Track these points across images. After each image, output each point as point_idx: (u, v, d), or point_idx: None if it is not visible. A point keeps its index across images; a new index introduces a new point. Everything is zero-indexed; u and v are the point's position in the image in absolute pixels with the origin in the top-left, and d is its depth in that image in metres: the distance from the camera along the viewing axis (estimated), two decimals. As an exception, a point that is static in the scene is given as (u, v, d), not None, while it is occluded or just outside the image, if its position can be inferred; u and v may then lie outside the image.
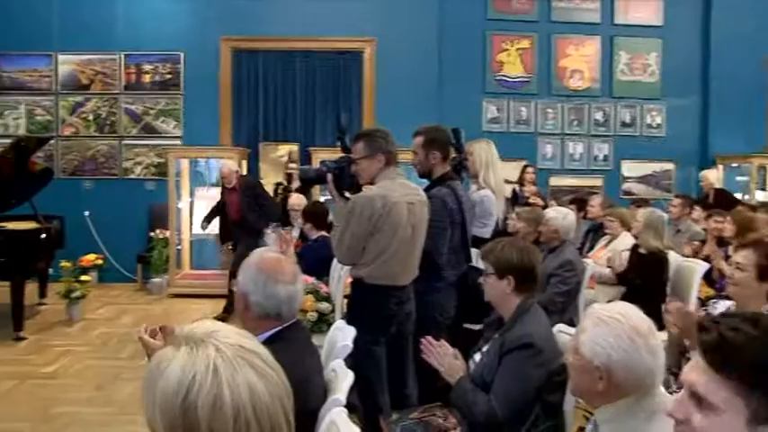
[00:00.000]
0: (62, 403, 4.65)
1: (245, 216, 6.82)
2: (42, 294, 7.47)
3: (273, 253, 2.15)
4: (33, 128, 8.97)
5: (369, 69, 8.80)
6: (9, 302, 6.26)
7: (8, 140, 8.39)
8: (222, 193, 7.28)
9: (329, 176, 3.60)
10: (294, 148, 8.66)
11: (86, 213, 8.72)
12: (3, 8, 8.79)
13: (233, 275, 3.91)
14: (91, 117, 8.98)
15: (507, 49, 9.21)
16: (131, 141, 8.94)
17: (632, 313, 1.83)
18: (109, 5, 8.75)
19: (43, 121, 9.00)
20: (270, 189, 7.87)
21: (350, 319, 3.24)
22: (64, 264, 6.98)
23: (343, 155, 3.65)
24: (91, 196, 8.86)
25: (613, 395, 1.79)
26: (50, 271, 7.43)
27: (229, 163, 7.40)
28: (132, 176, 8.91)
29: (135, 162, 8.94)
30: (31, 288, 6.67)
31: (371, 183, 3.47)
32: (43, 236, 6.46)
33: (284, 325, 2.04)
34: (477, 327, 3.84)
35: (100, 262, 8.32)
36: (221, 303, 7.26)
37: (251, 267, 2.04)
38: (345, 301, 4.42)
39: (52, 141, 8.61)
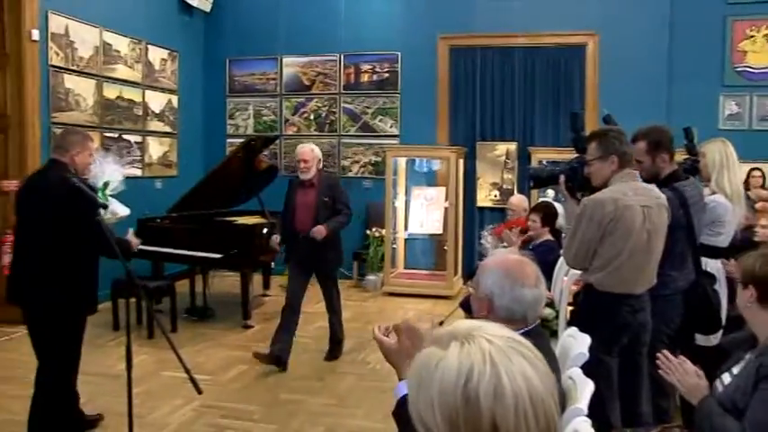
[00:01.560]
0: (287, 390, 5.04)
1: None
2: (266, 286, 8.14)
3: (515, 255, 2.19)
4: (260, 127, 9.79)
5: (591, 65, 8.56)
6: (238, 292, 6.92)
7: (239, 139, 9.34)
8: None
9: (561, 177, 3.59)
10: (512, 146, 8.65)
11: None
12: (235, 18, 9.70)
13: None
14: (312, 116, 9.62)
15: (752, 36, 8.49)
16: (349, 140, 9.45)
17: None
18: (331, 9, 9.31)
19: (269, 120, 9.80)
20: (486, 189, 7.93)
21: (579, 326, 3.20)
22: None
23: (576, 155, 3.62)
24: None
25: None
26: (272, 264, 8.08)
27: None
28: (350, 174, 9.39)
29: (353, 160, 9.44)
30: (256, 279, 7.29)
31: (605, 185, 3.40)
32: (265, 230, 7.01)
33: (529, 327, 2.08)
34: (713, 340, 3.62)
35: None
36: (436, 303, 7.45)
37: (494, 270, 2.08)
38: (569, 308, 4.38)
39: (278, 141, 9.37)
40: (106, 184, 4.39)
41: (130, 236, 4.25)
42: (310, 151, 5.57)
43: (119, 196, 4.55)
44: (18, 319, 6.48)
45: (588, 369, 2.67)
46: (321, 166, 5.70)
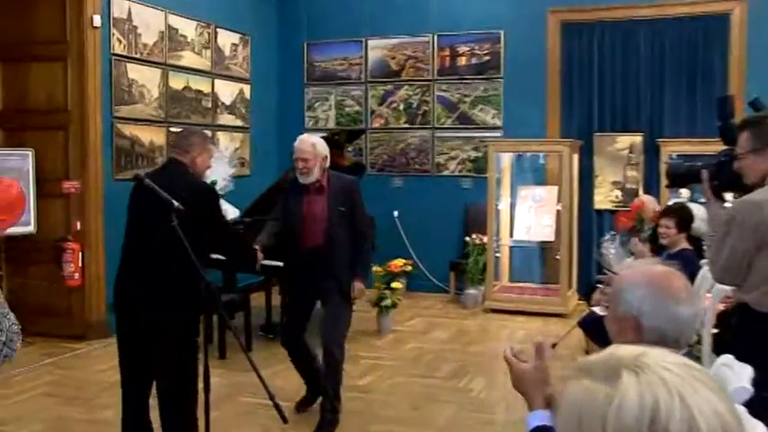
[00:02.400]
0: (378, 420, 5.02)
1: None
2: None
3: (661, 266, 2.08)
4: (342, 120, 9.86)
5: (737, 38, 8.19)
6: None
7: (319, 134, 9.41)
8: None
9: (704, 174, 3.44)
10: (637, 139, 8.42)
11: (395, 214, 9.37)
12: (313, -3, 9.84)
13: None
14: (401, 107, 9.62)
15: None
16: (445, 133, 9.39)
17: None
18: (423, -18, 9.33)
19: (352, 112, 9.85)
20: (606, 188, 7.70)
21: (735, 354, 3.04)
22: (375, 268, 7.54)
23: (725, 148, 3.45)
24: (400, 195, 9.50)
25: None
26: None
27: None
28: (446, 173, 9.34)
29: (449, 157, 9.37)
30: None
31: (760, 183, 3.23)
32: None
33: (682, 352, 1.97)
34: None
35: (409, 268, 8.85)
36: (546, 322, 7.31)
37: (640, 285, 1.98)
38: (713, 330, 4.20)
39: (363, 135, 9.42)
40: (214, 183, 4.52)
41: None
42: (311, 147, 4.83)
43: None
44: (81, 334, 6.80)
45: (753, 407, 2.52)
46: (327, 164, 4.96)
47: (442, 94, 9.40)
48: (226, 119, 9.02)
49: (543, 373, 1.90)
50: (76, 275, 6.76)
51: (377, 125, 9.73)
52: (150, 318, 3.73)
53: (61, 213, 6.95)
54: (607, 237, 5.79)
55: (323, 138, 7.20)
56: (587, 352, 5.91)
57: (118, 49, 7.29)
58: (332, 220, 4.85)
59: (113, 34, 7.22)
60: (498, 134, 9.03)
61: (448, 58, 9.37)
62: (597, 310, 5.12)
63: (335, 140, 7.25)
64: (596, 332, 4.96)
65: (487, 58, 9.17)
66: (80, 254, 6.80)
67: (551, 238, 8.46)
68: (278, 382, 5.56)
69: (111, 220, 6.95)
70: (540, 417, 1.85)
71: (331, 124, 9.86)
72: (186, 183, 3.84)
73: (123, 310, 3.84)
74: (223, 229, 4.11)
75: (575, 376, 1.09)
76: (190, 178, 3.92)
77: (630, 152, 8.40)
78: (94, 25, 6.94)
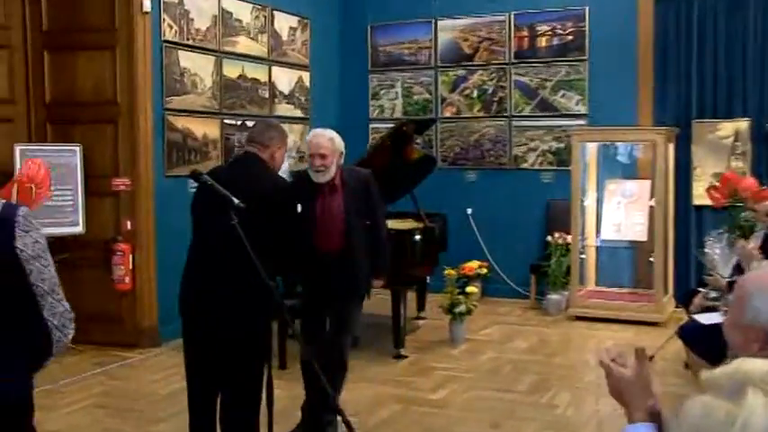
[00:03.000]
0: (453, 438, 5.03)
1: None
2: (421, 307, 8.19)
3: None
4: (411, 109, 9.87)
5: None
6: (387, 314, 6.98)
7: (385, 125, 9.45)
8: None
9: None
10: (742, 125, 8.25)
11: (468, 211, 9.34)
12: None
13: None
14: (475, 94, 9.58)
15: None
16: (523, 122, 9.32)
17: None
18: (498, -45, 9.28)
19: (421, 100, 9.85)
20: (706, 181, 7.53)
21: None
22: (448, 271, 7.52)
23: None
24: (474, 190, 9.48)
25: None
26: (428, 279, 8.09)
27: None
28: (524, 166, 9.27)
29: (528, 148, 9.30)
30: (409, 298, 7.32)
31: None
32: (417, 237, 7.02)
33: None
34: None
35: (484, 271, 8.84)
36: (639, 331, 7.19)
37: (771, 291, 1.93)
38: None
39: (434, 125, 9.42)
40: None
41: None
42: (329, 142, 4.80)
43: None
44: (132, 342, 6.94)
45: None
46: (342, 161, 4.94)
47: (519, 78, 9.33)
48: (284, 109, 9.11)
49: (646, 382, 1.86)
50: (127, 279, 6.91)
51: (448, 114, 9.71)
52: (219, 324, 3.77)
53: (111, 213, 7.11)
54: (712, 234, 5.67)
55: (390, 130, 7.32)
56: (687, 366, 5.79)
57: (169, 35, 7.42)
58: (349, 220, 4.85)
59: (164, 20, 7.36)
60: (583, 122, 8.94)
61: (526, 38, 9.31)
62: (699, 317, 5.01)
63: (403, 132, 7.25)
64: (699, 343, 4.87)
65: (570, 37, 9.08)
66: (131, 256, 6.94)
67: (644, 237, 8.34)
68: (344, 394, 5.58)
69: (162, 219, 7.12)
70: (643, 430, 1.82)
71: (398, 114, 9.89)
72: (268, 179, 3.92)
73: (190, 315, 3.90)
74: (295, 231, 4.21)
75: (693, 391, 1.07)
76: (271, 175, 3.99)
77: (735, 140, 8.22)
78: (144, 10, 7.07)
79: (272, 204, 3.76)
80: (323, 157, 4.76)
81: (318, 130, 4.95)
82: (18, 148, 6.68)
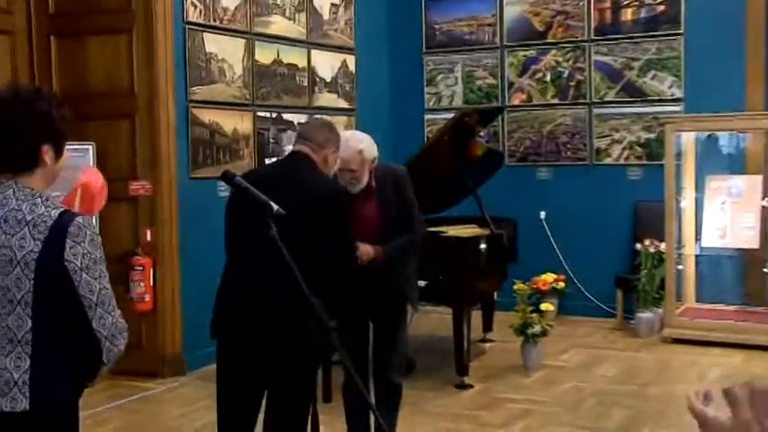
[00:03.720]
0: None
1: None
2: (488, 327, 8.14)
3: None
4: (473, 97, 9.85)
5: None
6: (447, 336, 6.97)
7: (443, 115, 9.41)
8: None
9: None
10: None
11: (542, 215, 9.28)
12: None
13: None
14: (548, 77, 9.53)
15: None
16: (606, 109, 9.25)
17: None
18: None
19: (485, 86, 9.82)
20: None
21: None
22: (518, 286, 7.46)
23: None
24: (548, 191, 9.43)
25: None
26: (495, 296, 8.05)
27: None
28: (608, 161, 9.20)
29: (612, 140, 9.21)
30: (474, 317, 7.28)
31: None
32: (482, 246, 6.97)
33: None
34: None
35: (561, 285, 8.76)
36: (750, 357, 7.08)
37: None
38: None
39: (501, 115, 9.38)
40: None
41: None
42: (358, 155, 4.84)
43: None
44: (153, 370, 6.98)
45: None
46: (376, 163, 5.03)
47: (601, 58, 9.26)
48: (326, 99, 9.14)
49: (753, 427, 1.79)
50: (147, 297, 6.96)
51: (517, 102, 9.69)
52: (260, 351, 3.77)
53: (128, 221, 7.17)
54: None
55: (450, 121, 7.27)
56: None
57: (193, 15, 7.48)
58: (384, 224, 4.96)
59: (187, -1, 7.42)
60: (678, 108, 8.88)
61: (608, 11, 9.26)
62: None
63: (465, 124, 7.23)
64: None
65: (662, 8, 9.02)
66: (151, 271, 6.99)
67: (755, 244, 8.24)
68: (398, 429, 5.56)
69: (187, 228, 7.15)
70: None
71: (458, 102, 9.88)
72: (324, 185, 3.97)
73: (228, 338, 3.90)
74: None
75: None
76: (328, 180, 4.06)
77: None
78: (165, -12, 7.15)
79: (330, 216, 3.77)
80: (352, 171, 4.83)
81: (347, 140, 4.93)
82: (22, 149, 6.77)
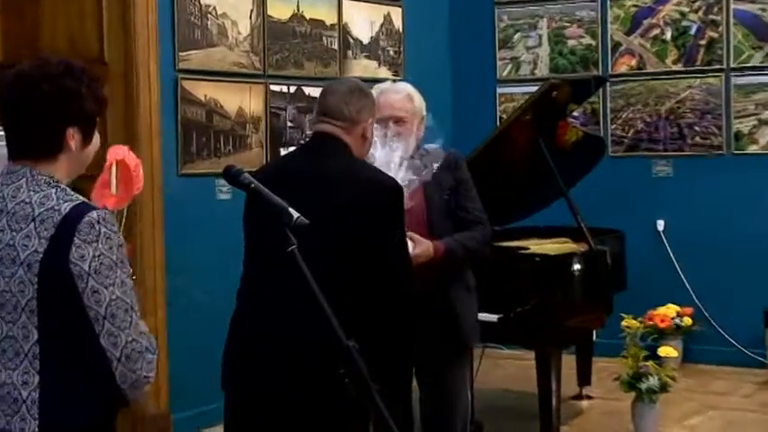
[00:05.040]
0: None
1: None
2: (585, 379, 8.10)
3: None
4: (563, 63, 9.86)
5: None
6: (529, 389, 6.97)
7: (523, 89, 9.39)
8: None
9: None
10: None
11: (659, 226, 9.26)
12: None
13: None
14: (668, 35, 9.50)
15: None
16: (750, 79, 9.22)
17: None
18: None
19: (579, 49, 9.82)
20: None
21: None
22: (627, 322, 7.39)
23: None
24: (668, 191, 9.39)
25: None
26: (594, 336, 8.02)
27: None
28: (753, 150, 9.16)
29: (759, 120, 9.14)
30: (565, 364, 7.24)
31: None
32: (577, 267, 6.92)
33: None
34: None
35: (688, 322, 8.68)
36: None
37: None
38: None
39: (602, 87, 9.33)
40: None
41: None
42: (406, 99, 4.92)
43: None
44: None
45: None
46: (422, 133, 5.04)
47: (741, 7, 9.21)
48: (362, 66, 9.17)
49: None
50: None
51: (623, 68, 9.67)
52: (289, 398, 3.78)
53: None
54: None
55: (533, 96, 7.26)
56: None
57: (182, -43, 7.53)
58: (433, 220, 4.94)
59: (173, -67, 7.46)
60: None
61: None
62: None
63: (552, 99, 7.20)
64: None
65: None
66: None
67: None
68: None
69: (175, 241, 7.13)
70: None
71: (543, 71, 9.95)
72: (367, 180, 3.88)
73: (243, 388, 3.92)
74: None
75: None
76: (371, 169, 4.01)
77: None
78: None
79: (379, 223, 3.76)
80: (399, 122, 4.77)
81: (387, 84, 4.96)
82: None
